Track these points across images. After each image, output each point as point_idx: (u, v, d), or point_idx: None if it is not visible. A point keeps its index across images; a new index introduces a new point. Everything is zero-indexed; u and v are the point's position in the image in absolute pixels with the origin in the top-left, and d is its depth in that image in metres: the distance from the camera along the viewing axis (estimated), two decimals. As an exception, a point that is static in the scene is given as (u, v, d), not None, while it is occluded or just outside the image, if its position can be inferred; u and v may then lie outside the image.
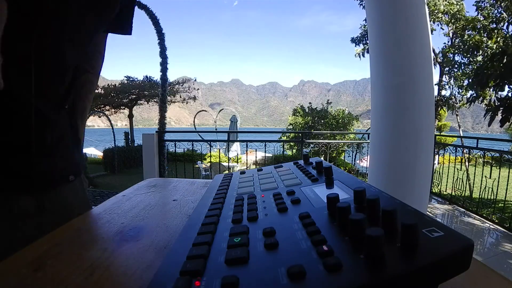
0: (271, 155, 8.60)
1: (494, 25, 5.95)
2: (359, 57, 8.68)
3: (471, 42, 6.39)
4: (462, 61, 7.37)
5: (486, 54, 5.79)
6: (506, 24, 5.49)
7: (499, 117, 4.44)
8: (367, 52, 8.63)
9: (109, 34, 0.61)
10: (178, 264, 0.22)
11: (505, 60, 4.41)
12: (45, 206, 0.50)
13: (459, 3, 7.08)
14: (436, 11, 7.04)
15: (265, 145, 4.27)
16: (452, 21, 7.09)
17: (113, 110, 15.68)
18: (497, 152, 3.78)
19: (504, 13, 5.69)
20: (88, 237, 0.38)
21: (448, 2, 7.07)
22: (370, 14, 2.21)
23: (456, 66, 7.52)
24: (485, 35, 6.20)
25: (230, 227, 0.28)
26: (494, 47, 5.64)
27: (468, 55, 6.83)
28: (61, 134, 0.54)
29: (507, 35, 5.67)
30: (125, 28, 0.63)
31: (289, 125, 11.53)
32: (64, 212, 0.50)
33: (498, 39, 5.76)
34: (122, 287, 0.27)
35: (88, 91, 0.60)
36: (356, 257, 0.19)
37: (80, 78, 0.55)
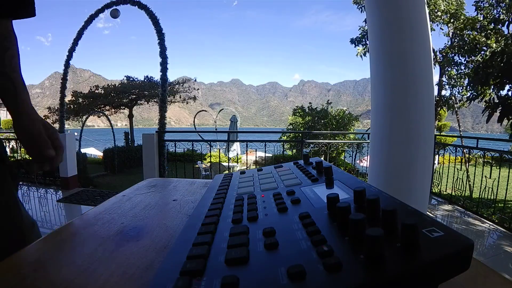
0: (271, 155, 8.60)
1: (493, 25, 5.95)
2: (361, 57, 8.68)
3: (470, 41, 6.40)
4: (460, 60, 7.37)
5: (486, 53, 5.78)
6: (506, 23, 5.48)
7: (497, 116, 4.45)
8: (369, 52, 8.62)
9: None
10: (178, 264, 0.22)
11: (505, 59, 4.42)
12: None
13: (459, 2, 7.08)
14: (436, 10, 7.04)
15: (265, 145, 4.27)
16: (452, 20, 7.09)
17: (113, 110, 15.67)
18: (497, 152, 3.77)
19: (503, 15, 5.69)
20: (88, 237, 0.38)
21: (448, 1, 7.07)
22: (370, 14, 2.21)
23: (455, 66, 7.52)
24: (483, 35, 6.20)
25: (230, 227, 0.28)
26: (494, 46, 5.64)
27: (468, 54, 6.83)
28: None
29: (507, 35, 5.67)
30: (27, 10, 0.61)
31: (289, 125, 11.53)
32: None
33: (499, 39, 5.76)
34: (122, 287, 0.27)
35: (17, 66, 0.59)
36: (356, 257, 0.19)
37: (5, 55, 0.57)
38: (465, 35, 6.76)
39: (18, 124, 0.55)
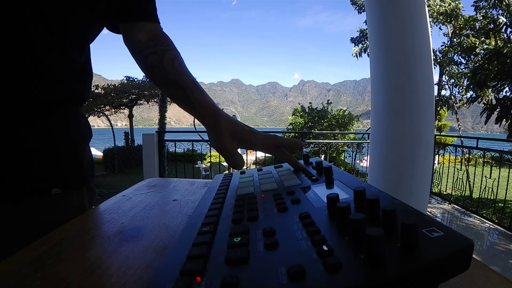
0: (271, 155, 8.59)
1: (492, 25, 5.95)
2: (356, 57, 8.74)
3: (466, 44, 6.41)
4: (460, 60, 7.38)
5: (482, 55, 5.80)
6: (504, 27, 5.49)
7: (495, 116, 4.46)
8: (364, 51, 8.69)
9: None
10: (178, 264, 0.22)
11: (501, 60, 4.43)
12: (20, 218, 0.44)
13: (455, 2, 7.09)
14: (432, 11, 7.05)
15: (265, 145, 4.26)
16: (448, 20, 7.11)
17: (113, 110, 15.67)
18: (497, 152, 3.77)
19: (502, 17, 5.70)
20: (88, 237, 0.38)
21: (443, 2, 7.08)
22: (370, 14, 2.21)
23: (456, 65, 7.53)
24: (483, 36, 6.20)
25: (230, 227, 0.28)
26: (492, 46, 5.65)
27: (467, 54, 6.84)
28: (52, 128, 0.47)
29: (505, 39, 5.67)
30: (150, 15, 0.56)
31: (289, 125, 11.55)
32: (42, 232, 0.38)
33: (497, 40, 5.76)
34: (122, 287, 0.27)
35: (180, 67, 0.53)
36: (356, 257, 0.19)
37: (164, 59, 0.52)
38: (463, 35, 6.77)
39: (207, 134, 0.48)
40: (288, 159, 0.48)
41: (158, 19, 0.58)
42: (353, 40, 9.05)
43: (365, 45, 8.71)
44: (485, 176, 3.68)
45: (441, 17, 7.09)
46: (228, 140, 0.45)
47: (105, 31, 0.59)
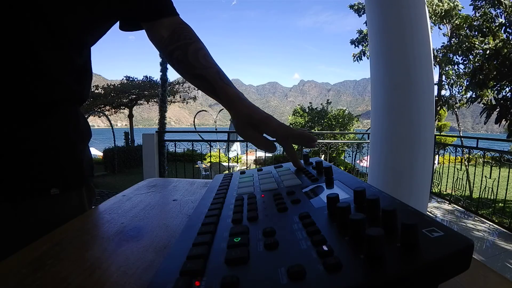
0: (271, 155, 8.60)
1: (489, 24, 5.94)
2: (357, 60, 8.73)
3: (465, 43, 6.40)
4: (457, 60, 7.37)
5: (481, 55, 5.80)
6: (504, 27, 5.49)
7: (495, 116, 4.47)
8: (364, 54, 8.69)
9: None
10: (178, 264, 0.22)
11: (500, 60, 4.43)
12: (20, 218, 0.45)
13: (452, 2, 7.08)
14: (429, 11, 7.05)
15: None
16: (445, 20, 7.11)
17: (113, 110, 15.66)
18: (497, 152, 3.78)
19: (502, 17, 5.69)
20: (88, 237, 0.38)
21: (440, 2, 7.07)
22: (370, 14, 2.21)
23: (454, 65, 7.53)
24: (480, 35, 6.19)
25: (230, 227, 0.28)
26: (491, 44, 5.64)
27: (465, 54, 6.83)
28: (52, 128, 0.47)
29: (504, 39, 5.66)
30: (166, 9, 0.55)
31: (289, 125, 11.54)
32: (41, 232, 0.38)
33: (496, 41, 5.75)
34: (122, 287, 0.27)
35: (205, 59, 0.54)
36: (356, 257, 0.19)
37: (188, 53, 0.53)
38: (461, 35, 6.76)
39: None
40: (290, 155, 0.49)
41: (175, 11, 0.57)
42: (353, 41, 9.04)
43: (365, 45, 8.71)
44: (485, 176, 3.68)
45: (435, 18, 7.07)
46: (248, 128, 0.48)
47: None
